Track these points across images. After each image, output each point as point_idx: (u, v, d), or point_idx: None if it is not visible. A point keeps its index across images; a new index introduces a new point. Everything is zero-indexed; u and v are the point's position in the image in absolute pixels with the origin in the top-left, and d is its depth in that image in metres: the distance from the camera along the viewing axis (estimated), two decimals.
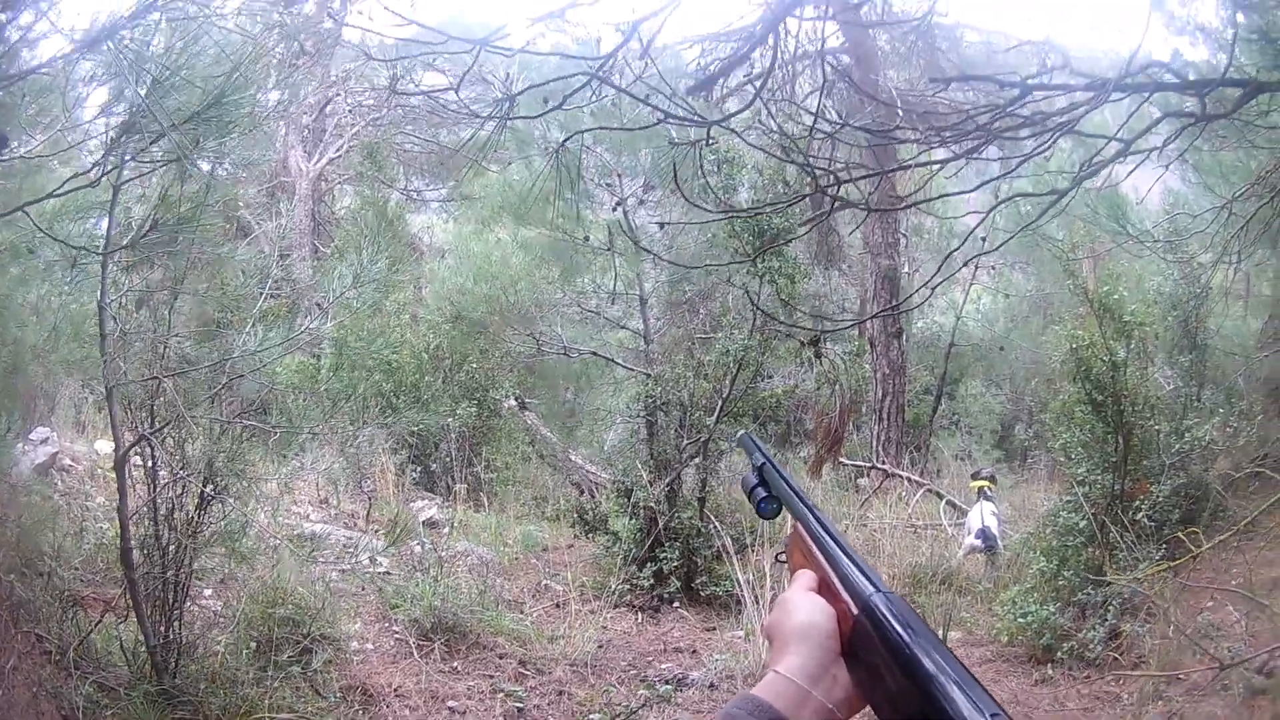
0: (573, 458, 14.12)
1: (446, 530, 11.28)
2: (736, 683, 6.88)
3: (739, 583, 8.35)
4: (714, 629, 8.54)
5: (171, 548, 5.18)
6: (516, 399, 14.45)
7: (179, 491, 5.21)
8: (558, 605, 8.88)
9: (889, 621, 1.10)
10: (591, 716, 6.39)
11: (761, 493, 1.56)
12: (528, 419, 14.68)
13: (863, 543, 9.74)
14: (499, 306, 12.01)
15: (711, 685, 6.88)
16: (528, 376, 14.15)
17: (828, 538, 1.32)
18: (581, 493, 13.51)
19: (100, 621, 5.36)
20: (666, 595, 8.99)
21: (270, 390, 6.72)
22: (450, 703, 6.23)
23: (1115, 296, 7.86)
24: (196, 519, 5.19)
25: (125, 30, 4.33)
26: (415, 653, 6.78)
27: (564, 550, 10.96)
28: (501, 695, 6.46)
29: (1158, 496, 7.43)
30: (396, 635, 7.10)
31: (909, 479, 12.75)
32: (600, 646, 7.66)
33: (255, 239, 16.79)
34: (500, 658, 7.03)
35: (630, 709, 6.45)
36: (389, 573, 9.36)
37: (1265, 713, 5.54)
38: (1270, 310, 8.00)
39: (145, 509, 5.20)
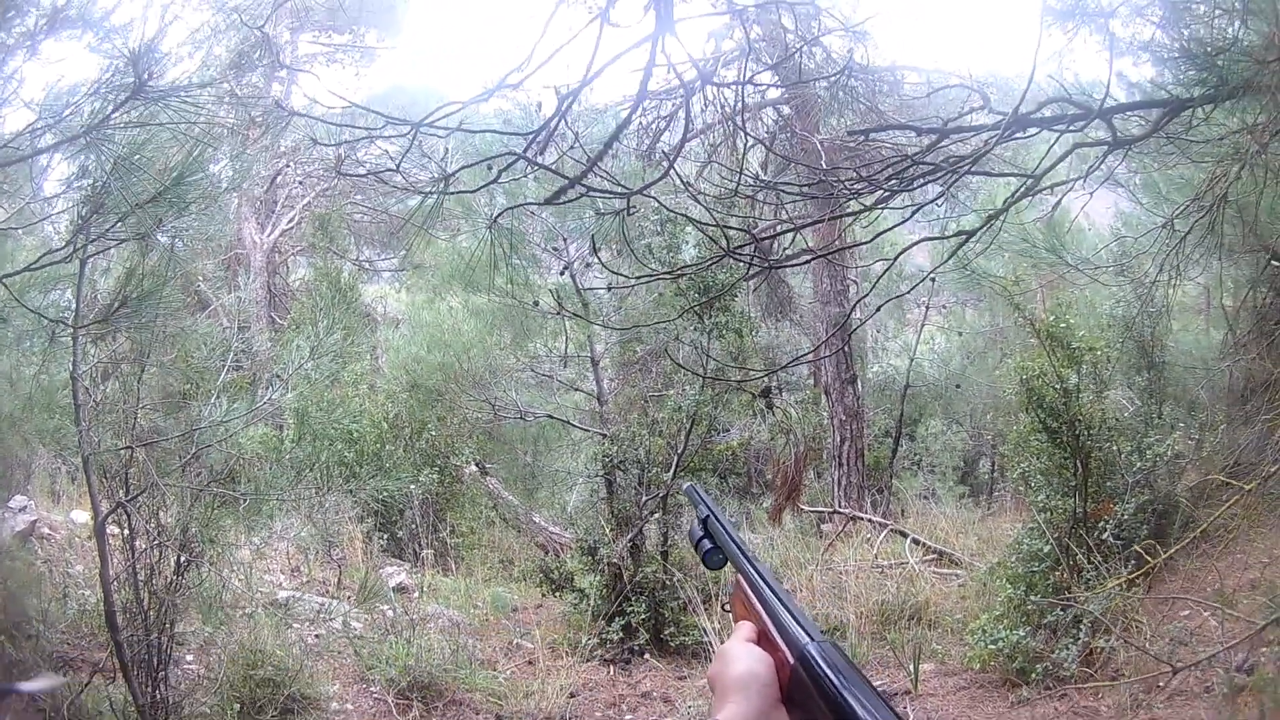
0: (536, 519, 14.27)
1: (416, 594, 11.38)
2: None
3: (707, 631, 8.53)
4: (685, 677, 8.68)
5: (152, 611, 5.29)
6: (477, 464, 14.58)
7: (156, 557, 5.35)
8: (530, 662, 9.01)
9: (823, 670, 1.14)
10: None
11: (707, 544, 1.61)
12: (489, 484, 14.81)
13: (829, 585, 9.88)
14: (454, 374, 12.22)
15: None
16: (486, 441, 14.28)
17: (767, 589, 1.37)
18: (546, 553, 13.61)
19: (89, 683, 5.47)
20: (637, 647, 9.12)
21: (237, 460, 6.85)
22: None
23: (1062, 325, 8.06)
24: (175, 583, 5.32)
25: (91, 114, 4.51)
26: (394, 710, 6.90)
27: (532, 610, 11.05)
28: None
29: (1122, 515, 7.63)
30: (375, 695, 7.22)
31: (872, 520, 12.92)
32: (574, 696, 7.81)
33: (214, 311, 16.87)
34: (476, 714, 7.16)
35: None
36: (362, 636, 9.48)
37: (1250, 709, 5.65)
38: (1229, 321, 8.24)
39: (125, 574, 5.32)
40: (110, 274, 5.61)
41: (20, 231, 5.43)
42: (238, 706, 5.90)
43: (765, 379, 12.59)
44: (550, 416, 11.49)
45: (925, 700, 7.31)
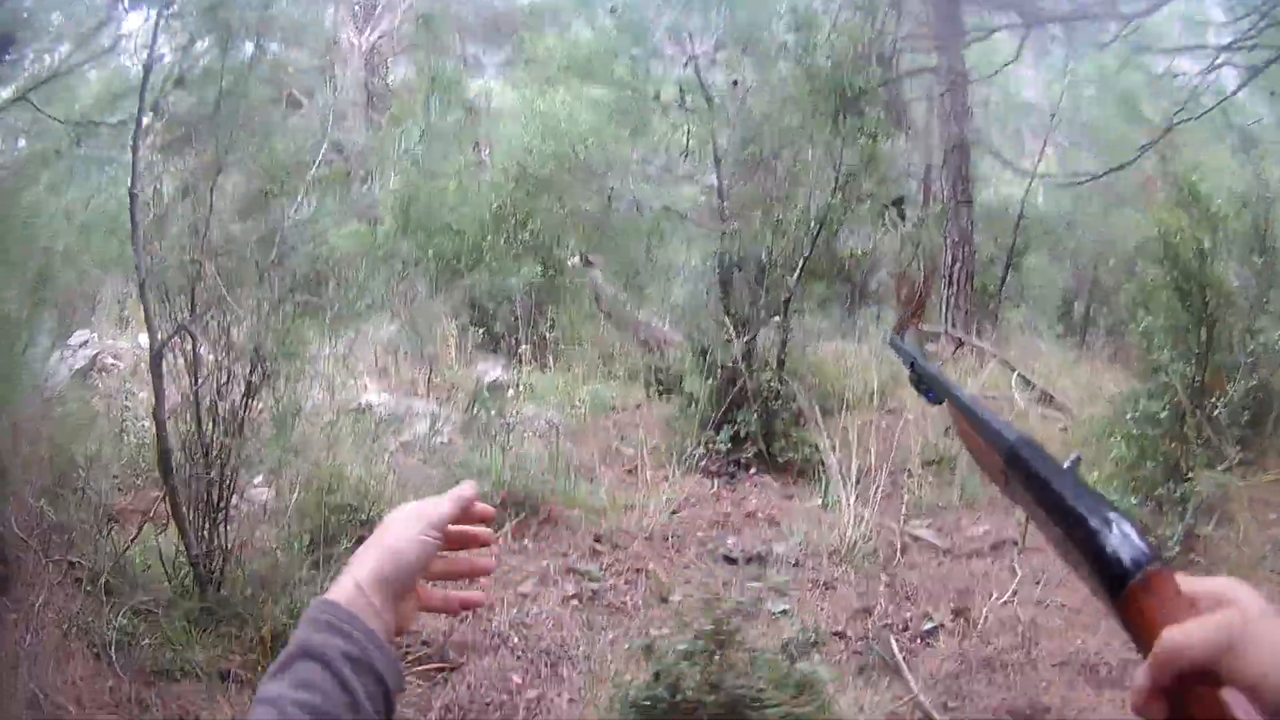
0: (640, 315, 13.74)
1: (511, 392, 11.01)
2: (821, 560, 6.54)
3: (821, 448, 8.00)
4: (792, 496, 8.20)
5: (217, 442, 4.83)
6: (582, 256, 14.02)
7: (224, 379, 4.81)
8: (630, 471, 8.58)
9: (1033, 462, 1.11)
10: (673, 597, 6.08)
11: (925, 389, 1.57)
12: (592, 276, 14.27)
13: (938, 413, 9.21)
14: (568, 163, 11.46)
15: (796, 563, 6.54)
16: (594, 233, 13.68)
17: (970, 402, 1.34)
18: (649, 350, 13.16)
19: (138, 535, 5.04)
20: (744, 460, 8.63)
21: (327, 261, 6.23)
22: (522, 587, 5.95)
23: (1204, 185, 7.30)
24: (243, 405, 4.79)
25: None
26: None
27: (633, 411, 10.62)
28: (575, 575, 6.18)
29: (1233, 395, 6.88)
30: None
31: (983, 349, 12.16)
32: (676, 513, 7.34)
33: (307, 112, 16.30)
34: (573, 533, 6.75)
35: (714, 596, 6.13)
36: (450, 442, 9.14)
37: None
38: None
39: (187, 405, 4.85)
40: (185, 85, 4.98)
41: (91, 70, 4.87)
42: (307, 539, 5.47)
43: (899, 189, 11.81)
44: (667, 209, 10.77)
45: (1031, 556, 6.63)
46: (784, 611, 5.81)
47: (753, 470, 8.61)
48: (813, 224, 8.58)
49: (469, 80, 18.36)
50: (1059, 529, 1.03)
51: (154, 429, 4.78)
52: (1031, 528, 6.49)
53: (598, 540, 6.71)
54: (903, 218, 10.34)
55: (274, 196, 5.45)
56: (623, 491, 7.98)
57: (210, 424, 4.80)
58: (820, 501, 7.81)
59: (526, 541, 6.58)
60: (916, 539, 7.16)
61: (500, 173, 13.45)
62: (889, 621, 5.86)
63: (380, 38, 18.01)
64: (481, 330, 12.70)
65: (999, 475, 1.21)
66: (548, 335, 12.75)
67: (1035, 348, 13.14)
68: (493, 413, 9.27)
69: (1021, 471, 1.12)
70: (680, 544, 6.93)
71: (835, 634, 5.71)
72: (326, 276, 6.88)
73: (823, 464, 8.18)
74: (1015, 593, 6.06)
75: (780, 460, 8.62)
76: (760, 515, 7.69)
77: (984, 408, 1.29)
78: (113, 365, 9.75)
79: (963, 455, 8.29)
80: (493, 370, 11.80)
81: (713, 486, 8.25)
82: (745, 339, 8.81)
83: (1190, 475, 6.54)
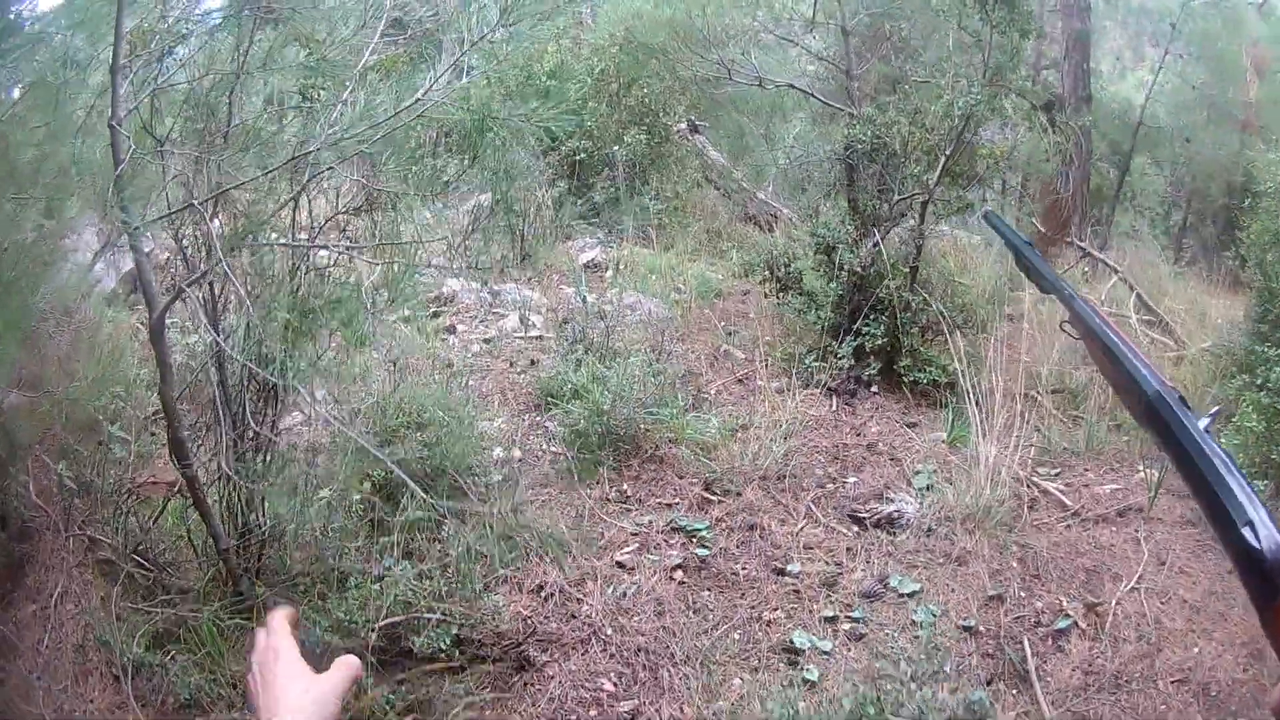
0: (748, 186, 12.70)
1: (609, 273, 10.20)
2: (954, 526, 5.63)
3: (952, 371, 7.09)
4: (916, 424, 7.28)
5: (247, 402, 3.97)
6: (689, 122, 12.94)
7: (263, 313, 3.78)
8: (740, 381, 7.79)
9: (1175, 412, 1.14)
10: (790, 567, 5.26)
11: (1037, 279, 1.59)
12: (698, 142, 13.18)
13: (1063, 340, 8.19)
14: (682, 31, 10.20)
15: (929, 530, 5.64)
16: (706, 104, 12.60)
17: (1096, 317, 1.38)
18: (760, 228, 12.18)
19: (160, 513, 4.26)
20: (865, 377, 7.70)
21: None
22: (619, 554, 5.14)
23: None
24: (284, 353, 3.82)
25: None
26: (575, 473, 5.69)
27: (739, 298, 9.76)
28: (682, 537, 5.35)
29: None
30: (553, 452, 6.01)
31: (1107, 263, 10.94)
32: (791, 450, 6.41)
33: None
34: (680, 476, 5.89)
35: (838, 570, 5.29)
36: (543, 336, 8.37)
37: None
38: None
39: (209, 356, 3.96)
40: None
41: None
42: (367, 485, 4.65)
43: (1047, 91, 10.62)
44: (792, 85, 9.46)
45: (1155, 526, 5.84)
46: (914, 593, 5.14)
47: (874, 389, 7.71)
48: (956, 119, 7.40)
49: None
50: (1200, 504, 1.08)
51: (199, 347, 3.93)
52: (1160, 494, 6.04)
53: (708, 488, 5.86)
54: (1053, 124, 9.21)
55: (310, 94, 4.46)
56: (733, 407, 7.21)
57: (239, 390, 3.94)
58: (945, 435, 6.95)
59: (626, 487, 5.76)
60: (1045, 493, 6.32)
61: (606, 36, 12.41)
62: (1021, 614, 5.10)
63: None
64: (580, 200, 11.91)
65: (1140, 416, 1.23)
66: (650, 206, 11.89)
67: (1143, 259, 12.08)
68: (589, 300, 8.53)
69: (1159, 430, 1.16)
70: (797, 485, 6.09)
71: (964, 629, 4.96)
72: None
73: (950, 388, 7.30)
74: (1141, 578, 5.33)
75: (905, 379, 7.66)
76: (882, 448, 6.83)
77: (1119, 337, 1.31)
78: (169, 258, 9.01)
79: (1092, 392, 7.47)
80: (589, 249, 11.02)
81: (831, 406, 7.37)
82: (874, 240, 7.79)
83: None
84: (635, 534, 5.29)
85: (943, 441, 6.90)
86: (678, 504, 5.65)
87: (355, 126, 3.75)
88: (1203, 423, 1.12)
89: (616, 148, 12.01)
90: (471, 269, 9.81)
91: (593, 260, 10.71)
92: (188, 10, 4.27)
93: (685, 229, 11.93)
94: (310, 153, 3.70)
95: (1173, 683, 4.64)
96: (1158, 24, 14.51)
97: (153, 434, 4.60)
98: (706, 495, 5.79)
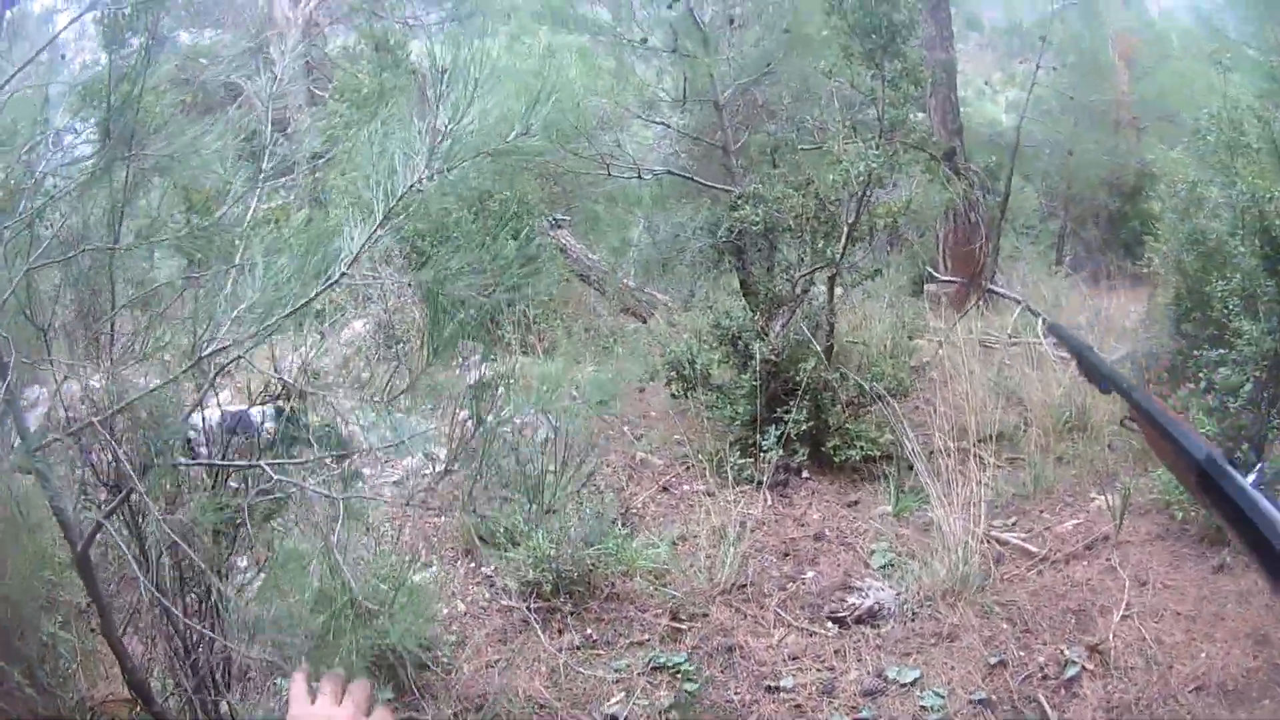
0: (619, 278, 12.52)
1: (500, 392, 9.88)
2: (936, 606, 5.51)
3: (889, 442, 7.18)
4: (855, 503, 7.20)
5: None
6: (551, 220, 12.76)
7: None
8: (665, 489, 7.53)
9: (1227, 472, 1.19)
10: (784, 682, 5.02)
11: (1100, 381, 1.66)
12: (560, 237, 12.96)
13: (990, 381, 8.30)
14: (560, 130, 9.89)
15: (913, 615, 5.50)
16: (571, 199, 12.46)
17: (1155, 407, 1.44)
18: (638, 317, 12.03)
19: None
20: (794, 465, 7.54)
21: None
22: (608, 705, 4.82)
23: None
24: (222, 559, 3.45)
25: None
26: (539, 631, 5.35)
27: (636, 398, 9.47)
28: (665, 675, 5.06)
29: None
30: (504, 605, 5.66)
31: (1005, 296, 11.09)
32: (740, 555, 6.11)
33: (246, 99, 15.20)
34: (642, 610, 5.60)
35: (831, 674, 5.07)
36: (450, 469, 7.93)
37: None
38: None
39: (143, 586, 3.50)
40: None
41: None
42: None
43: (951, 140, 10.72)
44: (670, 173, 9.38)
45: (1127, 550, 5.94)
46: (915, 680, 5.04)
47: (805, 475, 7.58)
48: (855, 184, 7.33)
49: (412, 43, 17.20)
50: (1257, 559, 1.15)
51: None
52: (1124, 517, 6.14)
53: (674, 617, 5.58)
54: (957, 173, 9.29)
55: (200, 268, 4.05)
56: (666, 519, 7.00)
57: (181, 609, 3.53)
58: (891, 508, 6.91)
59: (591, 631, 5.45)
60: (1004, 544, 6.35)
61: (471, 142, 12.06)
62: (1027, 673, 5.07)
63: (315, 6, 17.04)
64: (456, 318, 11.52)
65: (1190, 483, 1.30)
66: (530, 314, 11.61)
67: (1034, 279, 12.57)
68: (487, 419, 8.20)
69: (1214, 491, 1.21)
70: (759, 592, 5.89)
71: (976, 703, 4.88)
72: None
73: (886, 460, 7.36)
74: (1129, 605, 5.42)
75: (835, 460, 7.55)
76: (830, 535, 6.71)
77: (1171, 417, 1.39)
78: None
79: (1026, 433, 7.64)
80: (475, 366, 10.66)
81: (766, 501, 7.15)
82: (782, 324, 7.68)
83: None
84: (617, 680, 5.00)
85: (889, 515, 6.85)
86: (649, 639, 5.37)
87: (264, 313, 3.42)
88: (1250, 479, 1.19)
89: (485, 258, 11.63)
90: (367, 401, 9.46)
91: (480, 378, 10.23)
92: (54, 163, 3.86)
93: (566, 332, 11.60)
94: (216, 351, 3.36)
95: (1191, 692, 4.75)
96: (1025, 38, 14.81)
97: (92, 629, 4.09)
98: (675, 624, 5.53)
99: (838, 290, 7.89)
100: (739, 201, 8.07)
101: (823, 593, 5.87)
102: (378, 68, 14.62)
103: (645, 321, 11.75)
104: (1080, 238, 15.59)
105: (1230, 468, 1.19)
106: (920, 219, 10.15)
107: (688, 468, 7.66)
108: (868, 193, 7.42)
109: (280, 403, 4.16)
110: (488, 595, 5.87)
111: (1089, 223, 15.92)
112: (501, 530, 6.05)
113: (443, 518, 6.92)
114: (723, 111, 8.80)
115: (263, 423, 5.21)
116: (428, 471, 7.93)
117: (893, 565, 6.09)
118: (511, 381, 9.71)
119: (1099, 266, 12.97)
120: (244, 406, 4.35)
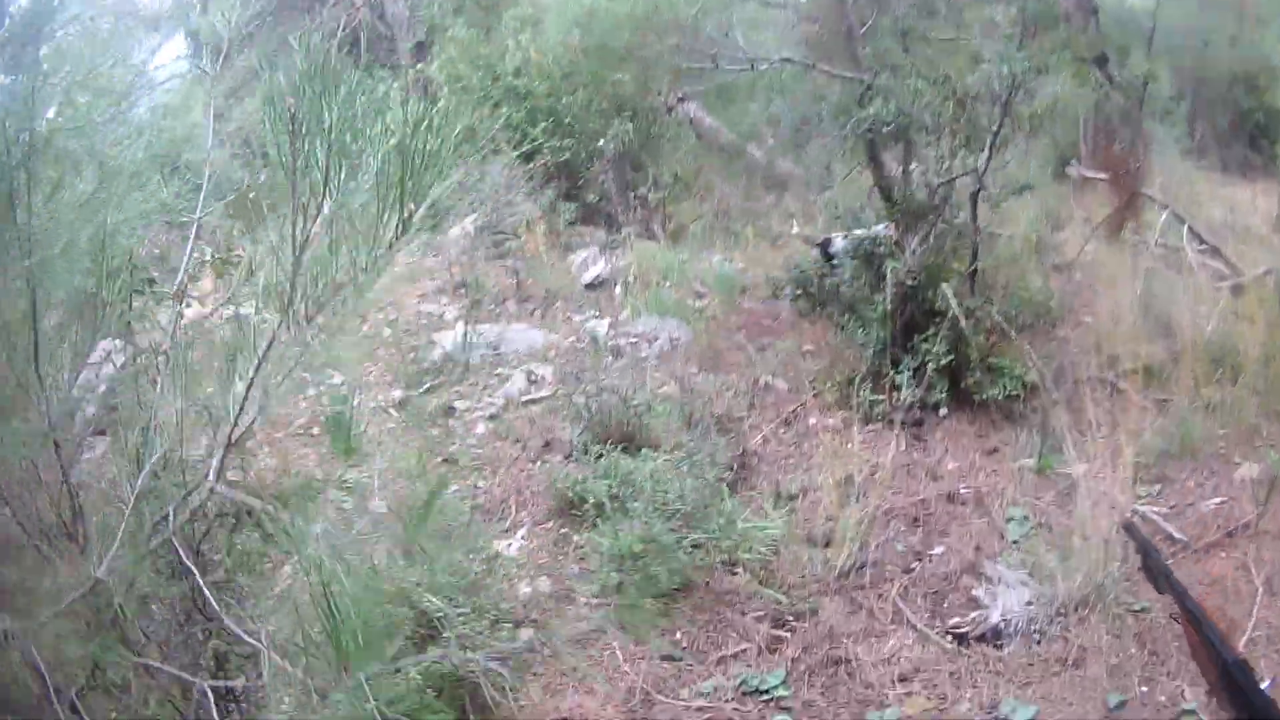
0: (754, 151, 11.69)
1: (618, 289, 9.48)
2: (1066, 620, 4.76)
3: (1034, 377, 6.47)
4: (995, 450, 6.53)
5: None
6: (676, 97, 11.98)
7: None
8: (788, 423, 6.95)
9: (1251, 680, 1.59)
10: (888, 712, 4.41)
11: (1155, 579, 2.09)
12: (686, 109, 12.15)
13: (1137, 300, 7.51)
14: (648, 24, 9.23)
15: (1038, 636, 4.75)
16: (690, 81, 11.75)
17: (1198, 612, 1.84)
18: (769, 193, 11.33)
19: None
20: (932, 401, 6.85)
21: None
22: None
23: None
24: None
25: None
26: (618, 639, 4.79)
27: (765, 295, 8.89)
28: (758, 703, 4.49)
29: None
30: (586, 600, 5.12)
31: (1153, 198, 9.91)
32: (864, 521, 5.47)
33: None
34: (741, 611, 5.01)
35: (941, 704, 4.44)
36: (555, 393, 7.39)
37: None
38: None
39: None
40: None
41: None
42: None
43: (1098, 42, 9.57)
44: (789, 60, 8.21)
45: (1263, 545, 5.14)
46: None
47: (941, 411, 6.89)
48: (999, 87, 6.41)
49: None
50: None
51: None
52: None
53: (778, 623, 4.98)
54: (1110, 80, 8.23)
55: None
56: (785, 459, 6.47)
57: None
58: (1034, 462, 6.19)
59: (680, 638, 4.90)
60: (1145, 520, 5.51)
61: (557, 42, 11.66)
62: (1141, 716, 4.30)
63: None
64: (574, 205, 11.14)
65: (1213, 681, 1.70)
66: (650, 197, 11.05)
67: (1167, 167, 11.09)
68: (603, 336, 8.09)
69: (1236, 693, 1.52)
70: (880, 576, 5.29)
71: None
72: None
73: (1031, 397, 6.66)
74: (1255, 623, 4.56)
75: (975, 397, 6.84)
76: (965, 493, 6.04)
77: (1208, 619, 1.78)
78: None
79: (1177, 368, 6.83)
80: (592, 263, 10.20)
81: (899, 443, 6.46)
82: (921, 237, 6.89)
83: None
84: (702, 709, 4.45)
85: (1030, 469, 6.16)
86: (744, 651, 4.81)
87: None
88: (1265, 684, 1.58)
89: (601, 141, 11.16)
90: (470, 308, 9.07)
91: (598, 277, 9.95)
92: None
93: (692, 214, 11.26)
94: None
95: None
96: None
97: None
98: (777, 633, 4.92)
99: (982, 205, 7.05)
100: (868, 94, 7.23)
101: (949, 576, 5.26)
102: None
103: (777, 197, 11.11)
104: (1211, 124, 14.46)
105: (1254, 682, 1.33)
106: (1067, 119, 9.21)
107: (816, 395, 7.09)
108: (1012, 96, 6.51)
109: None
110: (575, 572, 5.39)
111: (1218, 110, 14.83)
112: (599, 494, 5.53)
113: (538, 463, 6.55)
114: None
115: None
116: (530, 396, 7.57)
117: (1029, 538, 5.44)
118: (631, 278, 9.29)
119: (1227, 154, 12.43)
120: None
